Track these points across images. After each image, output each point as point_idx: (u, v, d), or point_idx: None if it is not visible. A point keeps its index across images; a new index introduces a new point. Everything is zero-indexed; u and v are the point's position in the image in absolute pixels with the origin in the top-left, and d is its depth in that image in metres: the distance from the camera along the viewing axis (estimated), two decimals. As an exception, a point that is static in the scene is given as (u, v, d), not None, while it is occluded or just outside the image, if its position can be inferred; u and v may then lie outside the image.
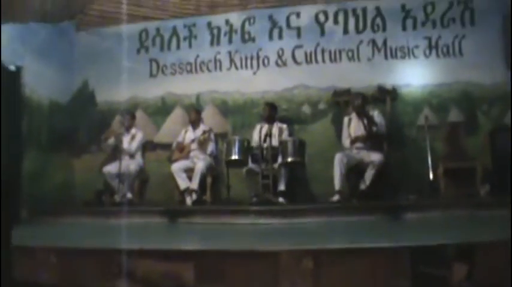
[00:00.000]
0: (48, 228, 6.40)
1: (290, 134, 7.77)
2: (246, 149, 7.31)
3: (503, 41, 7.91)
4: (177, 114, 9.16)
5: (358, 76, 8.39)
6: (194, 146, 7.88)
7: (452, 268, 3.29)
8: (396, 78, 8.31)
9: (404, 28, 8.53)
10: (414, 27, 8.50)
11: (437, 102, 8.14)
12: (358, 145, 7.21)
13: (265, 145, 7.25)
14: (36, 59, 8.41)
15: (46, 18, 8.78)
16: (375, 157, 6.92)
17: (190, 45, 9.38)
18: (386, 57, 8.52)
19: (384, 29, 8.61)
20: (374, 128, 7.11)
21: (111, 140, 8.20)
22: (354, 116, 7.41)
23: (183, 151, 7.91)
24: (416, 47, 8.39)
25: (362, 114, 7.23)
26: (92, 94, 9.60)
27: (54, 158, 8.75)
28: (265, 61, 8.96)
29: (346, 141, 7.39)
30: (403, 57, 8.46)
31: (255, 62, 9.01)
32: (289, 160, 7.07)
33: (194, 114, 8.23)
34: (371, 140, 7.14)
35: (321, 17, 8.85)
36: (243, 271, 3.66)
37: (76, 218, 7.09)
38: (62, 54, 9.33)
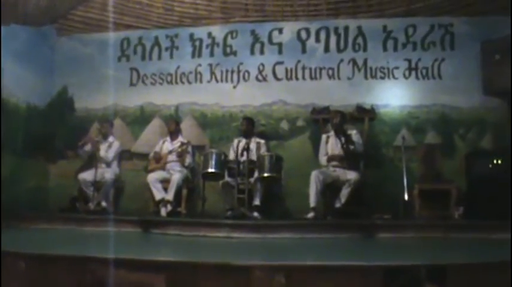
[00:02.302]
0: (20, 233, 6.32)
1: (267, 150, 7.76)
2: (223, 162, 7.30)
3: (481, 66, 8.00)
4: (156, 124, 9.13)
5: (337, 94, 8.45)
6: (171, 157, 7.82)
7: (424, 290, 3.30)
8: (375, 98, 8.38)
9: (385, 49, 8.62)
10: (395, 48, 8.60)
11: (415, 123, 8.22)
12: (335, 163, 7.23)
13: (242, 159, 7.25)
14: (15, 62, 8.37)
15: (27, 21, 8.72)
16: (351, 175, 6.93)
17: (171, 56, 9.39)
18: (366, 77, 8.60)
19: (365, 49, 8.69)
20: (351, 147, 7.14)
21: (88, 147, 8.14)
22: (331, 134, 7.45)
23: (159, 161, 7.86)
24: (396, 68, 8.48)
25: (340, 132, 7.26)
26: (70, 100, 9.53)
27: (29, 162, 8.69)
28: (246, 75, 8.99)
29: (323, 159, 7.41)
30: (382, 78, 8.54)
31: (235, 76, 9.03)
32: (266, 174, 7.07)
33: (173, 125, 8.19)
34: (348, 158, 7.16)
35: (303, 34, 8.91)
36: (215, 285, 3.64)
37: (49, 225, 7.02)
38: (42, 58, 9.30)
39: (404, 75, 8.44)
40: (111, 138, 8.24)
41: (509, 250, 3.72)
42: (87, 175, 7.82)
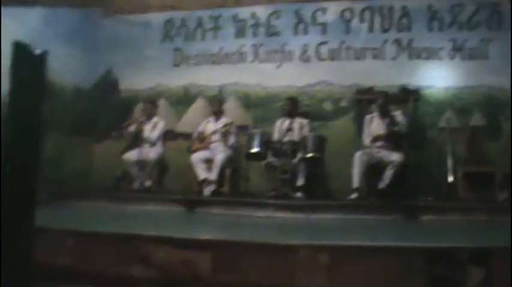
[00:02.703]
0: (66, 211, 6.47)
1: (311, 130, 7.74)
2: (266, 142, 7.33)
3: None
4: (199, 104, 9.17)
5: (381, 75, 8.34)
6: (215, 137, 7.89)
7: (467, 272, 3.29)
8: (420, 79, 8.24)
9: (430, 29, 8.45)
10: (440, 28, 8.42)
11: (460, 105, 8.06)
12: (379, 144, 7.19)
13: (285, 140, 7.28)
14: (62, 44, 8.45)
15: (74, 4, 8.83)
16: (395, 156, 6.90)
17: (215, 37, 9.39)
18: (410, 57, 8.46)
19: (410, 29, 8.54)
20: (395, 128, 7.09)
21: (133, 128, 8.22)
22: (375, 115, 7.40)
23: (203, 141, 7.91)
24: (441, 48, 8.32)
25: (384, 113, 7.22)
26: (115, 81, 9.64)
27: (75, 142, 8.81)
28: (289, 56, 8.95)
29: (366, 140, 7.37)
30: (427, 58, 8.38)
31: (278, 57, 8.99)
32: (309, 155, 7.08)
33: (216, 105, 8.25)
34: (392, 139, 7.13)
35: (347, 14, 8.82)
36: (259, 264, 3.69)
37: (94, 203, 7.15)
38: (88, 40, 9.37)
39: (449, 55, 8.27)
40: (155, 119, 8.30)
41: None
42: (131, 155, 7.93)
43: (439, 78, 8.23)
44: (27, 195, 2.99)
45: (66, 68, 8.52)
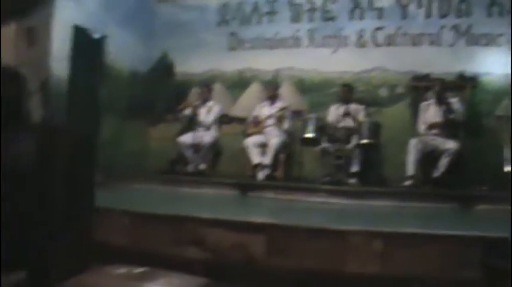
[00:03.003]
0: (122, 193, 6.62)
1: (366, 116, 7.70)
2: (321, 128, 7.34)
3: None
4: (254, 89, 9.22)
5: (438, 62, 8.19)
6: (270, 121, 7.93)
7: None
8: (478, 65, 8.08)
9: (489, 14, 8.26)
10: (500, 13, 8.21)
11: (519, 93, 7.92)
12: (435, 131, 7.15)
13: (340, 125, 7.29)
14: (118, 28, 8.63)
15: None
16: (451, 144, 6.85)
17: (270, 21, 9.39)
18: (468, 43, 8.30)
19: (468, 15, 8.36)
20: (451, 116, 7.03)
21: (188, 111, 8.32)
22: (432, 102, 7.33)
23: (258, 125, 7.96)
24: (501, 35, 8.10)
25: (441, 100, 7.16)
26: (170, 65, 9.76)
27: (131, 125, 9.01)
28: (345, 41, 8.90)
29: (422, 127, 7.32)
30: (486, 45, 8.21)
31: (334, 42, 8.95)
32: (364, 141, 7.10)
33: (272, 90, 8.27)
34: (447, 127, 7.07)
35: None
36: (312, 248, 3.74)
37: (149, 185, 7.29)
38: (144, 24, 9.49)
39: (509, 42, 8.04)
40: (210, 103, 8.38)
41: None
42: (186, 138, 8.04)
43: (497, 65, 8.04)
44: (86, 176, 3.09)
45: (123, 52, 8.71)
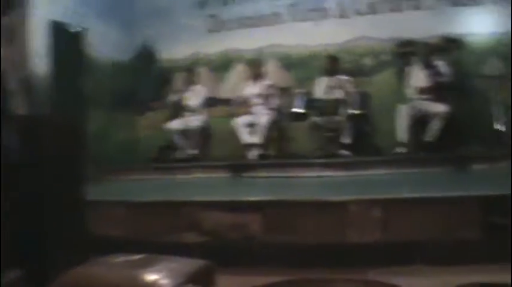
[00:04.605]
0: (114, 185, 6.60)
1: (353, 87, 7.65)
2: (310, 102, 7.31)
3: None
4: (239, 69, 9.17)
5: (421, 26, 8.11)
6: (257, 100, 7.88)
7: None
8: (461, 26, 8.03)
9: (470, -26, 8.23)
10: (481, -27, 8.19)
11: (505, 51, 7.84)
12: (423, 96, 7.11)
13: (328, 98, 7.24)
14: (97, 19, 8.53)
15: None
16: (440, 108, 6.82)
17: (250, 0, 9.32)
18: (451, 5, 8.26)
19: (448, -25, 8.33)
20: (439, 79, 7.00)
21: (174, 97, 8.28)
22: (418, 66, 7.29)
23: (246, 105, 7.93)
24: (484, -7, 8.11)
25: (427, 64, 7.13)
26: (153, 52, 9.70)
27: (117, 116, 8.93)
28: (326, 13, 8.83)
29: (410, 93, 7.29)
30: (468, 5, 8.18)
31: (316, 15, 8.88)
32: (354, 112, 7.06)
33: (256, 68, 8.19)
34: (436, 90, 7.04)
35: (383, -35, 8.64)
36: (312, 221, 3.72)
37: (141, 175, 7.26)
38: (123, 13, 9.36)
39: (492, 0, 8.08)
40: (196, 86, 8.32)
41: None
42: (174, 124, 8.00)
43: (481, 25, 8.01)
44: (76, 169, 3.05)
45: (104, 43, 8.62)
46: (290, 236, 3.74)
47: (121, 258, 2.33)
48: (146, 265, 2.21)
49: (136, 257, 2.34)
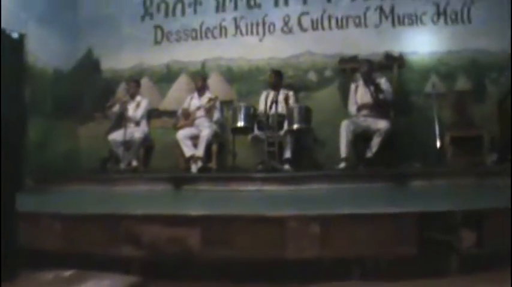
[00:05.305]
0: (53, 196, 6.40)
1: (296, 101, 7.70)
2: (252, 116, 7.28)
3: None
4: (182, 81, 9.13)
5: (365, 43, 8.29)
6: (199, 113, 7.81)
7: (459, 234, 3.28)
8: (404, 45, 8.21)
9: (412, -5, 8.39)
10: (422, -7, 8.36)
11: (445, 70, 8.05)
12: (365, 112, 7.15)
13: (271, 112, 7.22)
14: (39, 26, 8.34)
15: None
16: (382, 124, 6.87)
17: (195, 12, 9.28)
18: (393, 24, 8.42)
19: (392, -4, 8.48)
20: (381, 96, 7.06)
21: (116, 108, 8.11)
22: (360, 83, 7.32)
23: (188, 118, 7.84)
24: (424, 13, 8.28)
25: (369, 81, 7.18)
26: (96, 61, 9.57)
27: (58, 126, 8.73)
28: (271, 28, 8.88)
29: (352, 109, 7.32)
30: (410, 24, 8.37)
31: (260, 29, 8.93)
32: (296, 126, 7.05)
33: (200, 81, 8.13)
34: (378, 107, 7.09)
35: (328, -17, 8.73)
36: (250, 236, 3.65)
37: (81, 186, 7.07)
38: (66, 20, 9.23)
39: (432, 20, 8.24)
40: (138, 98, 8.18)
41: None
42: (116, 135, 7.82)
43: (423, 43, 8.22)
44: (11, 180, 2.93)
45: (44, 51, 8.44)
46: (228, 251, 3.66)
47: (51, 275, 2.23)
48: (76, 282, 2.12)
49: (67, 273, 2.24)
